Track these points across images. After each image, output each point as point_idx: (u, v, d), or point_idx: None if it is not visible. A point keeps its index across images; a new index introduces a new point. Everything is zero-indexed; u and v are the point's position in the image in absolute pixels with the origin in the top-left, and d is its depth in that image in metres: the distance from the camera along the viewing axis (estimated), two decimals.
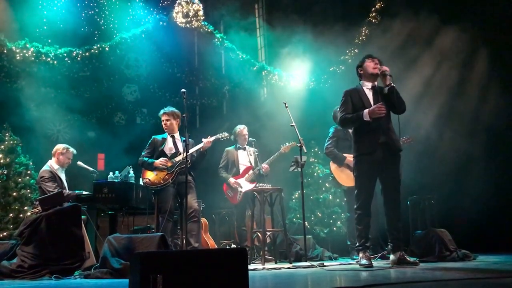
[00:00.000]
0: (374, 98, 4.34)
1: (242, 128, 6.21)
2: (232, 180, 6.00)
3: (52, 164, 5.53)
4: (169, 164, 5.07)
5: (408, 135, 6.07)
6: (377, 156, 4.21)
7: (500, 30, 7.23)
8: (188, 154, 4.75)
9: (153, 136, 5.36)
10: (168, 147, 5.22)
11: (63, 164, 5.59)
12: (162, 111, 5.32)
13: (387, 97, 4.29)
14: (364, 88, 4.43)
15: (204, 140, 5.18)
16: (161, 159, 5.07)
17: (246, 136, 6.20)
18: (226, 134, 5.56)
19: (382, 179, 4.33)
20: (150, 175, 5.04)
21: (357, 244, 4.29)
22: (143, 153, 5.23)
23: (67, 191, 5.43)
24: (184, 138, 4.83)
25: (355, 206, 4.36)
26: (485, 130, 7.12)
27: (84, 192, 5.60)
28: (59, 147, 5.64)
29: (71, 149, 5.66)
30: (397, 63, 7.45)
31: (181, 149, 5.19)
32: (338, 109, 4.63)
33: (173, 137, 5.31)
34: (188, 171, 4.91)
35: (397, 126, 4.37)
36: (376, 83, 4.43)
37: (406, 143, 5.84)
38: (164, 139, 5.28)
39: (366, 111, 4.18)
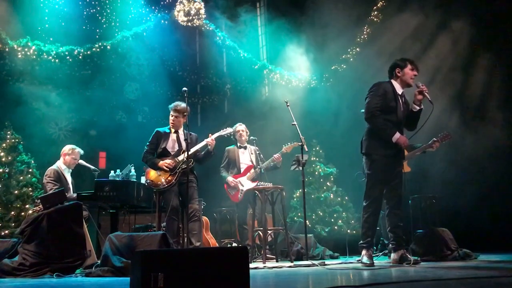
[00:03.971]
0: (403, 105, 4.31)
1: (237, 127, 6.19)
2: (230, 179, 5.99)
3: (60, 164, 5.61)
4: (173, 165, 4.96)
5: (409, 134, 6.01)
6: (393, 158, 4.26)
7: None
8: (190, 153, 4.72)
9: (156, 129, 5.21)
10: (171, 144, 5.10)
11: (70, 164, 5.65)
12: (172, 106, 5.13)
13: (412, 113, 4.30)
14: (396, 90, 4.32)
15: (207, 140, 5.06)
16: (166, 160, 4.96)
17: (242, 133, 6.15)
18: (230, 129, 5.49)
19: (390, 179, 4.34)
20: (153, 176, 4.95)
21: (362, 241, 4.27)
22: (146, 148, 5.10)
23: (71, 193, 5.45)
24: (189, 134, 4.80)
25: (364, 204, 4.31)
26: (487, 130, 7.10)
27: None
28: (66, 147, 5.70)
29: (77, 149, 5.71)
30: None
31: (184, 146, 5.00)
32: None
33: (177, 132, 5.18)
34: (191, 170, 4.89)
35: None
36: (404, 90, 4.39)
37: (445, 141, 5.55)
38: (167, 134, 5.14)
39: (397, 136, 4.12)
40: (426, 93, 4.19)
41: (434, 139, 5.57)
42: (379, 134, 4.24)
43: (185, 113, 5.11)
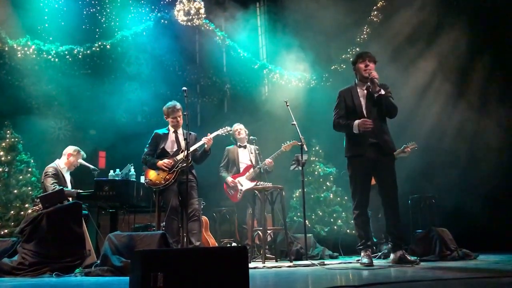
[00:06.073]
0: (368, 99, 4.29)
1: (235, 126, 6.18)
2: (229, 179, 5.99)
3: (59, 163, 5.59)
4: (171, 164, 4.97)
5: (409, 135, 6.05)
6: (368, 156, 4.22)
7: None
8: (189, 152, 4.72)
9: (155, 131, 5.22)
10: (170, 144, 5.11)
11: (71, 165, 5.65)
12: (172, 107, 5.09)
13: (378, 101, 4.26)
14: (358, 89, 4.37)
15: (204, 139, 5.07)
16: (165, 160, 4.97)
17: (241, 132, 6.14)
18: (229, 128, 5.47)
19: (378, 179, 4.35)
20: (152, 175, 4.97)
21: (358, 243, 4.29)
22: (146, 150, 5.13)
23: (69, 189, 5.44)
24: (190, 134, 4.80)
25: (352, 207, 4.38)
26: (487, 131, 7.10)
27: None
28: (71, 148, 5.69)
29: (82, 152, 5.75)
30: (399, 62, 7.43)
31: (183, 145, 5.02)
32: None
33: (175, 132, 5.19)
34: (190, 170, 4.89)
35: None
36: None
37: (411, 149, 5.80)
38: (166, 135, 5.15)
39: (355, 123, 4.17)
40: (375, 80, 4.18)
41: (405, 145, 5.85)
42: (348, 135, 4.35)
43: (182, 111, 5.14)
